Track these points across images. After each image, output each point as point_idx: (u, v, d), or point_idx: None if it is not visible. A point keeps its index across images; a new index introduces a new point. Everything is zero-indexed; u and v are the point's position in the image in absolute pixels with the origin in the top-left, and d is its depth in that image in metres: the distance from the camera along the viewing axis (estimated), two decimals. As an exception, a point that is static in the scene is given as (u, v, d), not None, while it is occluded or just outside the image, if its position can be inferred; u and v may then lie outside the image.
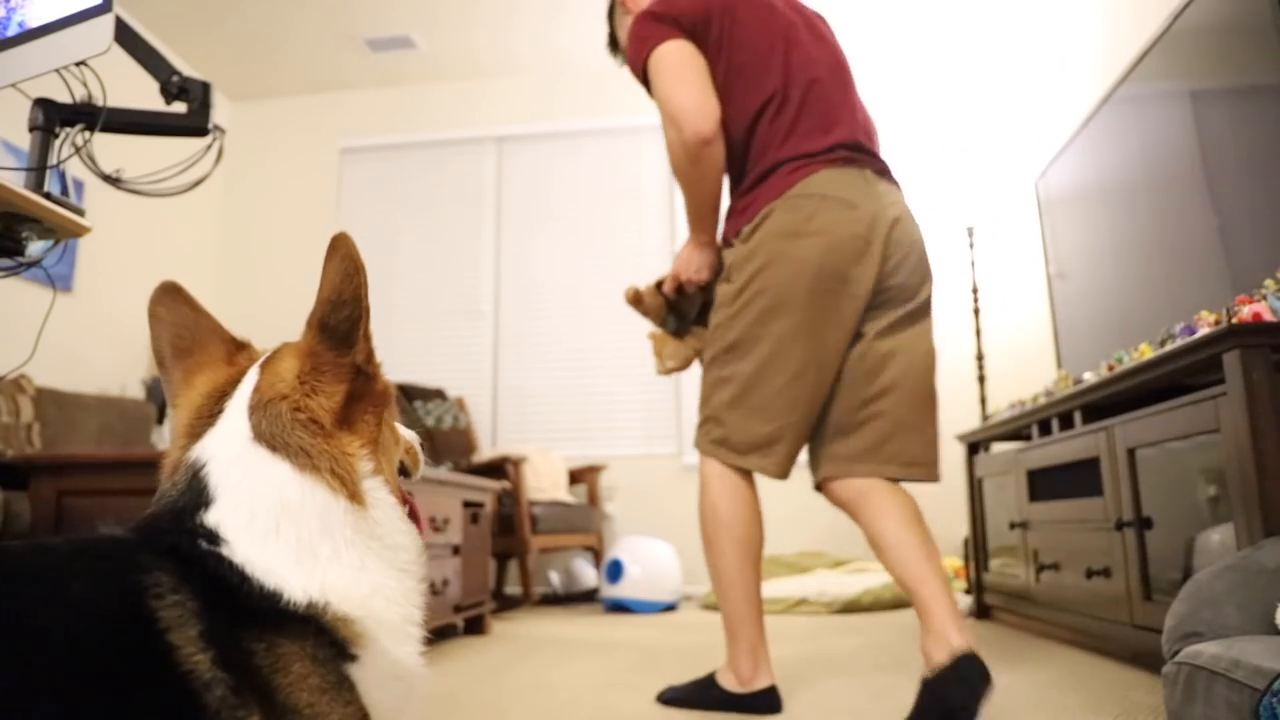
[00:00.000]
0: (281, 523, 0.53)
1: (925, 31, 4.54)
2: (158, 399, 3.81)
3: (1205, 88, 2.25)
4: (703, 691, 1.76)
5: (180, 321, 0.66)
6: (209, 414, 0.60)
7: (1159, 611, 1.68)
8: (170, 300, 0.65)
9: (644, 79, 1.79)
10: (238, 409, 0.60)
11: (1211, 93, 2.23)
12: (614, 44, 2.09)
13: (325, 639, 0.50)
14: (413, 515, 0.68)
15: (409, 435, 0.72)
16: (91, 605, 0.42)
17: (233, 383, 0.62)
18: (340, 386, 0.60)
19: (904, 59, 4.68)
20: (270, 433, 0.57)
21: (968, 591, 3.32)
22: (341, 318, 0.61)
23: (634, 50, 1.79)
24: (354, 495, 0.57)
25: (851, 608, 3.45)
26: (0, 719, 0.36)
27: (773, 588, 3.66)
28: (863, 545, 4.16)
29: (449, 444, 4.01)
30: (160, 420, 3.74)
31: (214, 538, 0.52)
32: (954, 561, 3.80)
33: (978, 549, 3.16)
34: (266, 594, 0.49)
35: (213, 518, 0.53)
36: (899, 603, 3.53)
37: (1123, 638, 2.00)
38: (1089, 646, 2.33)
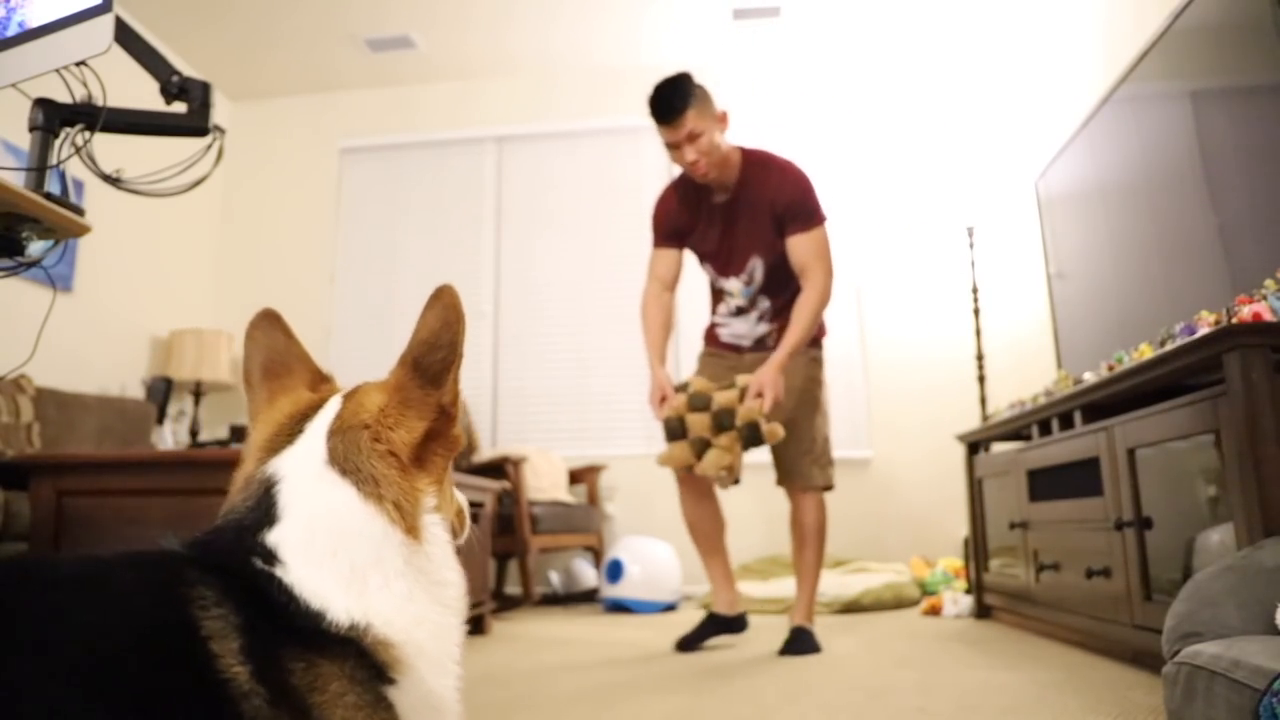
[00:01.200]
0: (339, 548, 0.56)
1: (926, 31, 4.53)
2: (157, 399, 3.81)
3: (1205, 87, 2.25)
4: (709, 623, 2.59)
5: (273, 346, 0.70)
6: (288, 433, 0.63)
7: (1159, 612, 1.68)
8: (266, 325, 0.70)
9: (814, 222, 2.48)
10: (317, 431, 0.62)
11: (1211, 92, 2.23)
12: (671, 110, 2.42)
13: (365, 661, 0.51)
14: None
15: (460, 498, 0.74)
16: (140, 613, 0.45)
17: (314, 407, 0.65)
18: (422, 423, 0.62)
19: (905, 59, 4.68)
20: (345, 457, 0.60)
21: (968, 591, 3.32)
22: (435, 359, 0.64)
23: (814, 204, 2.49)
24: (411, 529, 0.59)
25: (851, 608, 3.45)
26: (53, 716, 0.38)
27: (773, 587, 3.65)
28: (863, 546, 4.17)
29: (449, 444, 4.01)
30: (160, 420, 3.74)
31: (271, 557, 0.54)
32: (954, 562, 3.79)
33: (978, 549, 3.16)
34: (310, 614, 0.51)
35: (274, 537, 0.55)
36: (899, 603, 3.53)
37: (1123, 638, 2.00)
38: (1089, 647, 2.33)
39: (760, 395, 2.35)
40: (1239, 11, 2.03)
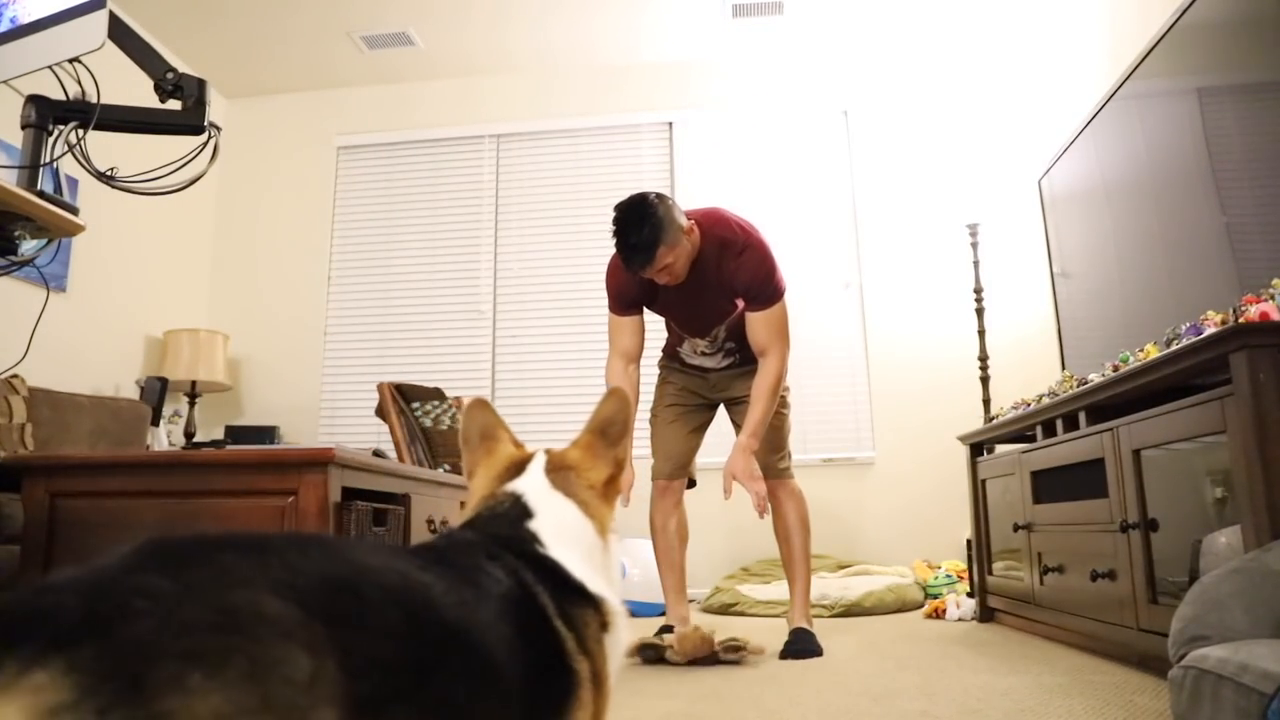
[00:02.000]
0: (575, 541, 0.81)
1: (928, 30, 4.52)
2: (152, 400, 3.78)
3: (1211, 85, 2.23)
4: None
5: (485, 420, 0.96)
6: (513, 472, 0.88)
7: (1165, 615, 1.66)
8: (480, 406, 0.97)
9: (773, 300, 2.47)
10: (536, 470, 0.88)
11: (1218, 90, 2.21)
12: (642, 259, 2.37)
13: (599, 614, 0.77)
14: None
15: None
16: (501, 578, 0.68)
17: (524, 460, 0.90)
18: (606, 470, 0.91)
19: (907, 58, 4.66)
20: (563, 487, 0.86)
21: (971, 594, 3.30)
22: (614, 431, 0.92)
23: (773, 283, 2.46)
24: (604, 537, 0.87)
25: (853, 610, 3.44)
26: (468, 628, 0.59)
27: (774, 590, 3.64)
28: (865, 548, 4.15)
29: (447, 444, 3.99)
30: (155, 421, 3.72)
31: (538, 540, 0.79)
32: (957, 564, 3.78)
33: (981, 551, 3.15)
34: (576, 582, 0.76)
35: (534, 525, 0.80)
36: (901, 606, 3.51)
37: (1128, 641, 1.98)
38: (1094, 650, 2.31)
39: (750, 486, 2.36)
40: (1245, 7, 2.01)
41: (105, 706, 0.36)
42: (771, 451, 2.62)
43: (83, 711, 0.36)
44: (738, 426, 2.59)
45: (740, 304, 2.51)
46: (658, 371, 2.83)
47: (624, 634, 0.82)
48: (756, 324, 2.48)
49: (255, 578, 0.45)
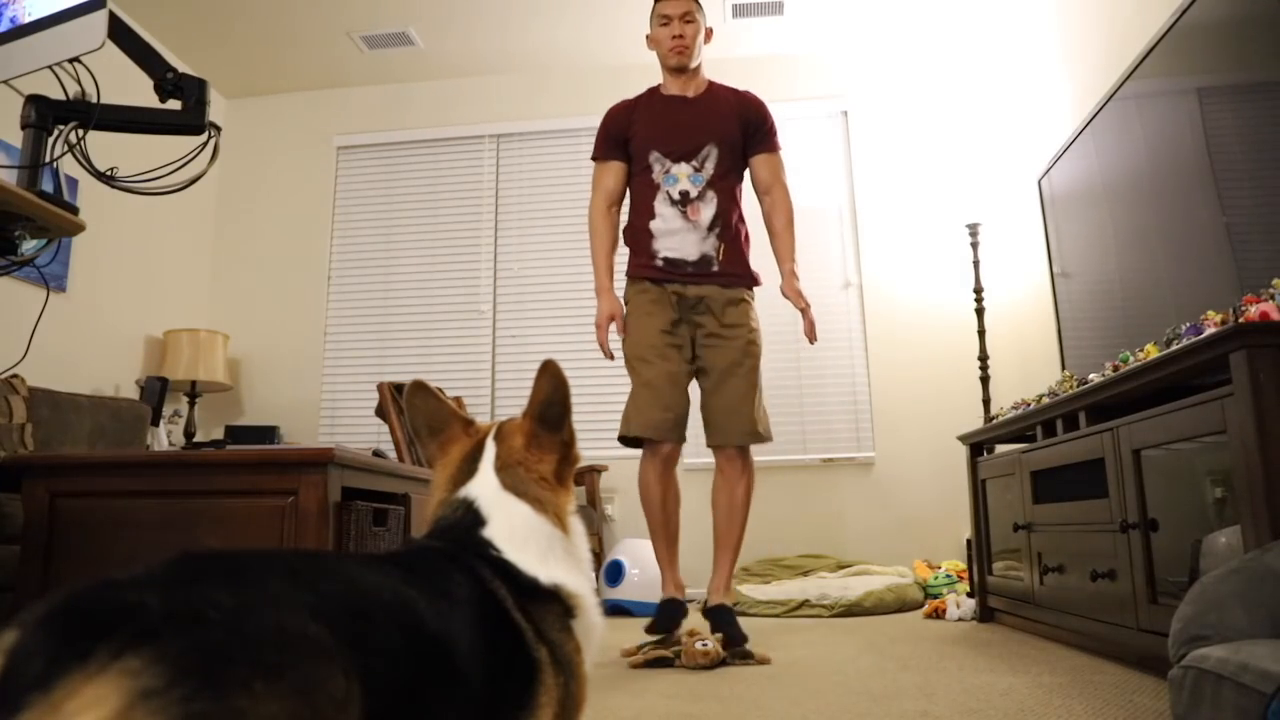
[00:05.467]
0: (528, 539, 0.84)
1: (928, 30, 4.52)
2: (152, 400, 3.78)
3: (1211, 84, 2.23)
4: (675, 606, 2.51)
5: (429, 409, 0.96)
6: (465, 471, 0.90)
7: (1165, 615, 1.66)
8: (421, 393, 0.96)
9: (777, 147, 2.72)
10: (487, 468, 0.89)
11: (1218, 89, 2.21)
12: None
13: (561, 605, 0.82)
14: None
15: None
16: (465, 584, 0.74)
17: (476, 450, 0.91)
18: (554, 455, 0.91)
19: (907, 58, 4.66)
20: (514, 485, 0.88)
21: (971, 594, 3.30)
22: (552, 413, 0.91)
23: (776, 132, 2.72)
24: (564, 526, 0.89)
25: (853, 610, 3.44)
26: (447, 639, 0.64)
27: (774, 590, 3.64)
28: (865, 548, 4.15)
29: (448, 444, 4.00)
30: (155, 421, 3.72)
31: (492, 546, 0.82)
32: (957, 564, 3.78)
33: (981, 551, 3.14)
34: (529, 579, 0.81)
35: (487, 533, 0.84)
36: (902, 605, 3.51)
37: (1128, 641, 1.98)
38: (1094, 650, 2.31)
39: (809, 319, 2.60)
40: (1245, 7, 2.01)
41: (189, 695, 0.41)
42: (756, 408, 2.52)
43: (170, 698, 0.41)
44: (708, 417, 2.55)
45: (738, 138, 2.62)
46: (625, 303, 2.65)
47: (593, 616, 0.87)
48: (760, 164, 2.68)
49: (297, 602, 0.51)
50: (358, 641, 0.52)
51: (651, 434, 2.48)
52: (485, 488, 0.87)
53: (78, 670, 0.41)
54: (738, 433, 2.51)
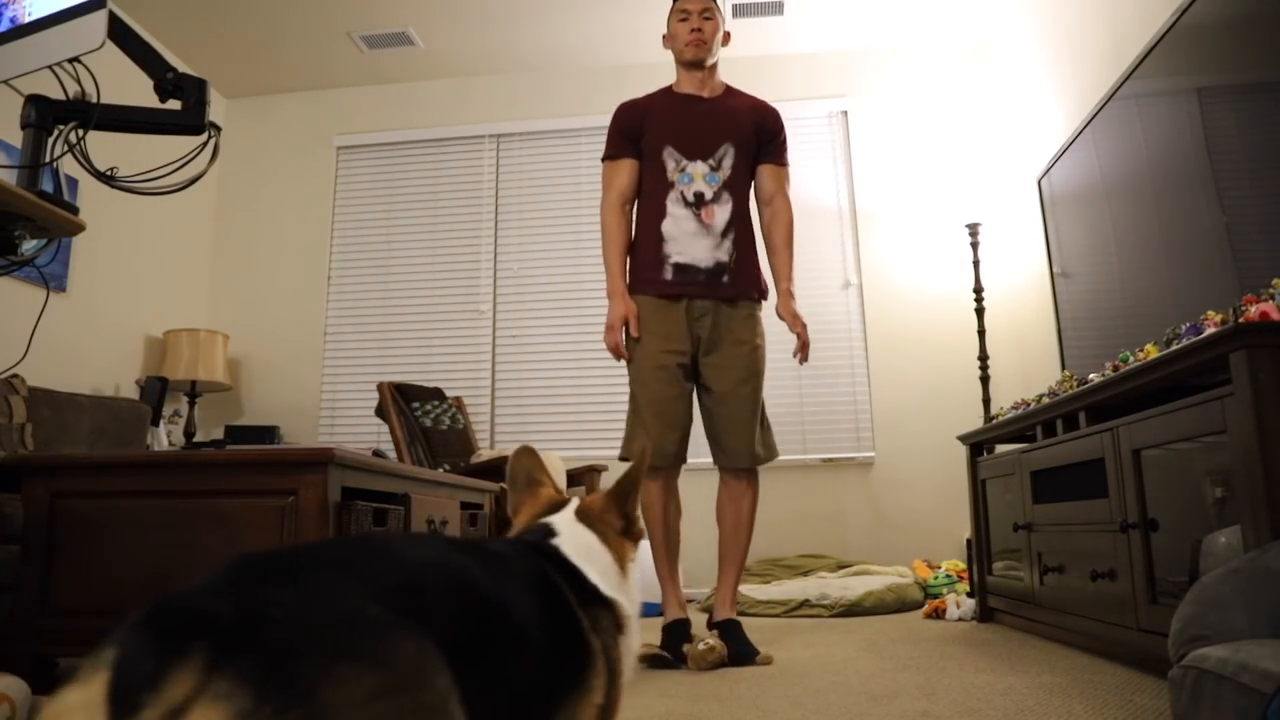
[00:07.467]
0: (591, 558, 0.97)
1: (928, 30, 4.52)
2: (152, 400, 3.78)
3: (1211, 84, 2.23)
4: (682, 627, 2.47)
5: (530, 465, 1.16)
6: (547, 511, 1.06)
7: (1165, 615, 1.66)
8: (527, 453, 1.17)
9: (786, 161, 2.72)
10: (567, 510, 1.06)
11: (1218, 89, 2.21)
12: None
13: (614, 617, 0.92)
14: None
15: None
16: (527, 565, 0.84)
17: (561, 502, 1.09)
18: (620, 521, 1.07)
19: (907, 58, 4.66)
20: (586, 521, 1.03)
21: (971, 594, 3.30)
22: (624, 495, 1.08)
23: (787, 149, 2.73)
24: (622, 566, 1.02)
25: (853, 610, 3.44)
26: (501, 598, 0.72)
27: (774, 590, 3.64)
28: (865, 548, 4.15)
29: (446, 445, 3.99)
30: (155, 421, 3.72)
31: (560, 551, 0.95)
32: (957, 564, 3.78)
33: (981, 551, 3.14)
34: (590, 585, 0.92)
35: (557, 542, 0.96)
36: (902, 605, 3.51)
37: (1128, 641, 1.98)
38: (1094, 650, 2.31)
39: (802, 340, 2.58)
40: (1245, 7, 2.01)
41: (282, 707, 0.45)
42: (758, 427, 2.51)
43: (264, 714, 0.45)
44: (709, 425, 2.54)
45: (753, 142, 2.61)
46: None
47: (636, 638, 0.98)
48: (767, 174, 2.67)
49: (351, 588, 0.56)
50: (417, 611, 0.58)
51: (655, 460, 2.46)
52: (562, 519, 1.03)
53: (177, 669, 0.46)
54: (741, 455, 2.49)
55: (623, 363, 2.58)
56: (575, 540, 0.98)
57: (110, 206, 3.79)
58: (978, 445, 3.20)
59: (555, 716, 0.78)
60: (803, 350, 2.59)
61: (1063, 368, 3.19)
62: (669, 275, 2.52)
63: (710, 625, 2.53)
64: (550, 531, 0.98)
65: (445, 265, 4.82)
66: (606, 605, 0.91)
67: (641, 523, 1.12)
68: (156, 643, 0.47)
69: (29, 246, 1.66)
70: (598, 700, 0.83)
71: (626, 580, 1.01)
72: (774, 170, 2.66)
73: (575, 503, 1.08)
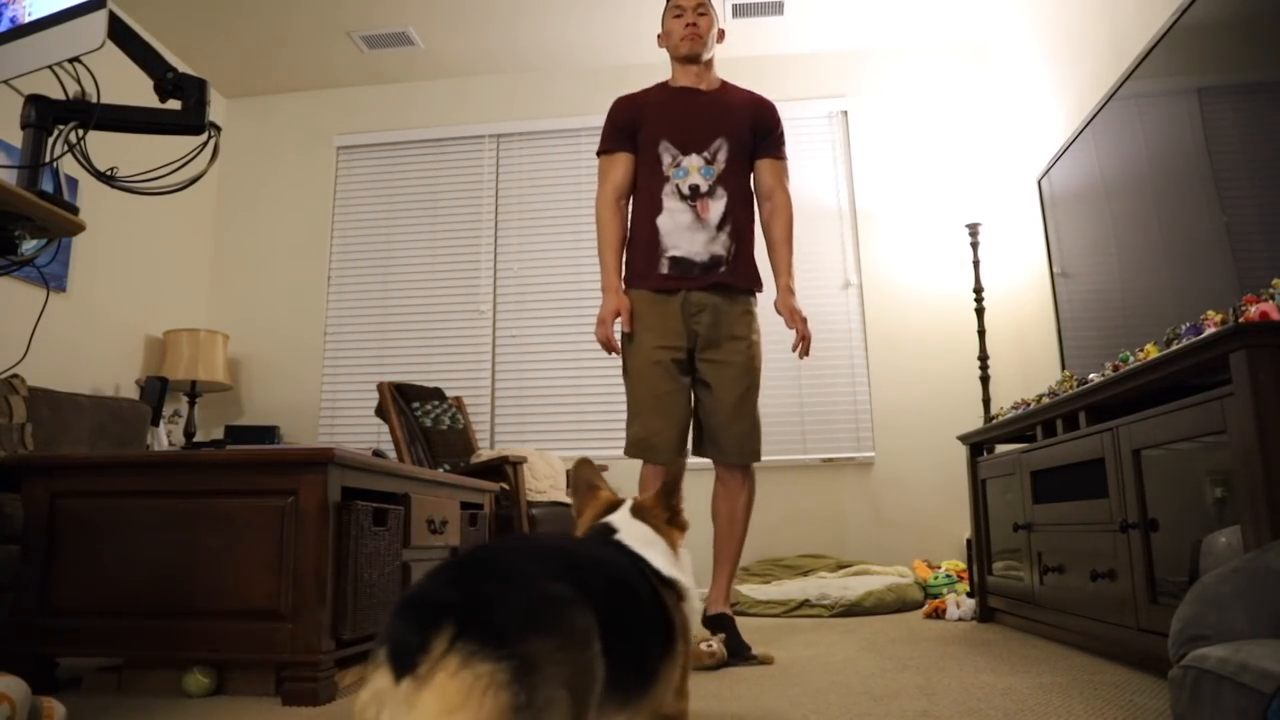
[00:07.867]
0: (651, 544, 1.14)
1: (928, 30, 4.52)
2: (152, 400, 3.78)
3: (1212, 84, 2.23)
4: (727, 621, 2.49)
5: (589, 475, 1.35)
6: (607, 511, 1.24)
7: (1165, 615, 1.66)
8: (586, 464, 1.36)
9: (784, 156, 2.71)
10: (623, 510, 1.23)
11: (1218, 89, 2.21)
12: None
13: (675, 591, 1.09)
14: None
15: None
16: (622, 562, 1.02)
17: (617, 503, 1.26)
18: (667, 513, 1.23)
19: (907, 58, 4.66)
20: (640, 517, 1.21)
21: (971, 594, 3.30)
22: (670, 491, 1.24)
23: (784, 143, 2.72)
24: (674, 549, 1.19)
25: (853, 610, 3.44)
26: (630, 582, 0.96)
27: (774, 590, 3.64)
28: (865, 548, 4.15)
29: (446, 444, 3.99)
30: (155, 421, 3.72)
31: (624, 544, 1.11)
32: (957, 564, 3.78)
33: (981, 551, 3.14)
34: (655, 568, 1.08)
35: (620, 536, 1.14)
36: (902, 605, 3.51)
37: (1128, 641, 1.98)
38: (1094, 650, 2.31)
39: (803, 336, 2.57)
40: (1245, 7, 2.01)
41: (502, 656, 0.65)
42: (751, 426, 2.50)
43: (499, 664, 0.65)
44: (706, 418, 2.53)
45: (749, 137, 2.60)
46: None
47: (695, 603, 1.17)
48: (765, 168, 2.66)
49: (539, 571, 0.79)
50: (583, 587, 0.78)
51: (655, 458, 2.47)
52: (619, 517, 1.21)
53: (434, 637, 0.66)
54: (739, 451, 2.50)
55: (618, 357, 2.58)
56: (635, 532, 1.16)
57: (110, 206, 3.79)
58: (978, 445, 3.20)
59: (655, 671, 0.96)
60: (803, 344, 2.57)
61: (1063, 368, 3.19)
62: (665, 269, 2.52)
63: (703, 620, 2.53)
64: (610, 529, 1.17)
65: (445, 265, 4.82)
66: (669, 584, 1.08)
67: (685, 514, 1.26)
68: (416, 623, 0.67)
69: (29, 246, 1.66)
70: (680, 661, 1.06)
71: (679, 558, 1.19)
72: (772, 164, 2.66)
73: (630, 501, 1.26)
